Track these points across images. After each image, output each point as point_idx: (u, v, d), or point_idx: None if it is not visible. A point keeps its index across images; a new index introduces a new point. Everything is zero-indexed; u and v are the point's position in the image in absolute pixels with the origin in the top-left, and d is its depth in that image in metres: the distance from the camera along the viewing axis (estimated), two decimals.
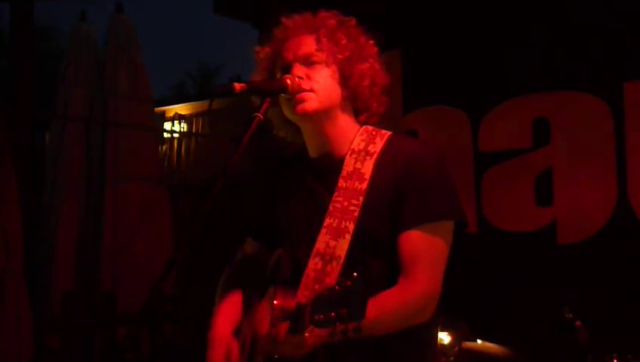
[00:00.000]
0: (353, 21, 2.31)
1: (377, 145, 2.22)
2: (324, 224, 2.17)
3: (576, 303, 3.51)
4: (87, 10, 6.79)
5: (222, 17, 6.64)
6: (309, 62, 2.22)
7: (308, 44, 2.23)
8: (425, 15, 4.94)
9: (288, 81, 2.15)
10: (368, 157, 2.20)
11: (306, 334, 1.82)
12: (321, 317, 1.73)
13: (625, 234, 4.16)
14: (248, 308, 2.38)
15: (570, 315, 3.41)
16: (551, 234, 4.39)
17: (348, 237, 2.12)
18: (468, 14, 4.77)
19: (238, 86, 2.07)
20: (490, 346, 3.72)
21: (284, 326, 1.91)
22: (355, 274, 1.71)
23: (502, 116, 4.65)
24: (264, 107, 2.10)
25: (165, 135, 10.40)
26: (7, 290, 5.10)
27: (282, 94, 2.19)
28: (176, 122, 10.85)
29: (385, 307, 1.99)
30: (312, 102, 2.18)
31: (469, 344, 3.67)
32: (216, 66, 40.33)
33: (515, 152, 4.58)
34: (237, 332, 2.37)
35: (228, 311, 2.42)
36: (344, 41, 2.24)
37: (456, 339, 3.59)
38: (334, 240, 2.14)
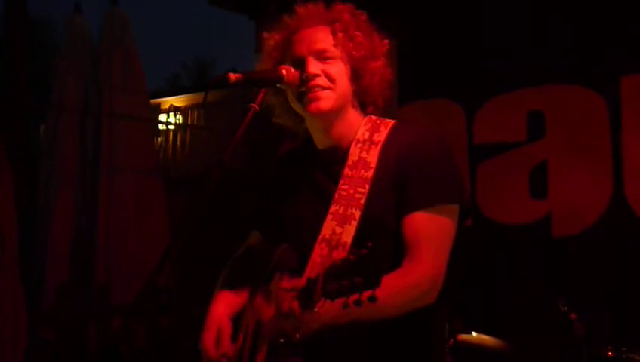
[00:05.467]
0: (365, 15, 2.28)
1: (382, 134, 2.23)
2: (330, 211, 2.18)
3: (571, 296, 3.52)
4: (81, 1, 6.77)
5: (218, 10, 6.63)
6: (323, 57, 2.19)
7: (323, 39, 2.20)
8: (421, 7, 4.93)
9: (284, 72, 2.15)
10: (373, 146, 2.21)
11: (317, 308, 1.80)
12: (335, 286, 1.72)
13: (620, 227, 4.17)
14: (251, 295, 2.38)
15: (565, 308, 3.42)
16: (546, 226, 4.40)
17: (354, 223, 2.12)
18: (464, 7, 4.76)
19: (233, 76, 2.07)
20: (485, 338, 3.72)
21: (294, 303, 1.89)
22: (369, 243, 1.70)
23: (497, 109, 4.65)
24: (259, 98, 2.10)
25: (160, 127, 10.37)
26: (2, 284, 5.10)
27: (281, 85, 2.17)
28: (171, 114, 10.81)
29: (390, 288, 1.95)
30: (327, 101, 2.17)
31: (463, 336, 3.68)
32: (212, 59, 40.33)
33: (510, 145, 4.58)
34: (237, 318, 2.37)
35: (228, 296, 2.41)
36: (360, 39, 2.22)
37: (451, 332, 3.60)
38: (340, 226, 2.14)
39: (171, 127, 10.58)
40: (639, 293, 4.03)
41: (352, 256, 1.70)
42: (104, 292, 5.89)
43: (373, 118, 2.29)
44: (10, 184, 5.24)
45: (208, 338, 2.33)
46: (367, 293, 1.67)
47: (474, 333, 3.73)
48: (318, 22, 2.23)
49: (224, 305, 2.39)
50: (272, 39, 2.29)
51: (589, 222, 4.26)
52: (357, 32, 2.22)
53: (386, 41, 2.30)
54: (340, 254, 2.08)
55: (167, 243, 6.12)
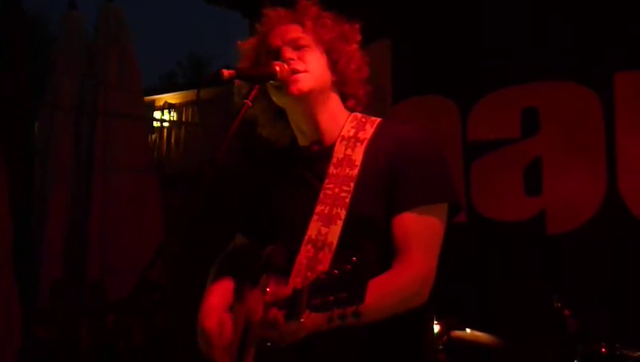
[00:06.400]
0: (333, 14, 2.33)
1: (368, 132, 2.23)
2: (316, 211, 2.16)
3: (565, 292, 3.53)
4: None
5: (214, 8, 6.63)
6: (297, 45, 2.22)
7: (294, 30, 2.24)
8: (415, 5, 4.93)
9: (277, 68, 2.15)
10: (359, 144, 2.21)
11: (303, 319, 1.80)
12: (319, 301, 1.72)
13: (614, 224, 4.17)
14: (239, 296, 2.37)
15: (559, 304, 3.43)
16: (540, 223, 4.39)
17: (339, 223, 2.11)
18: (458, 4, 4.76)
19: (226, 72, 2.07)
20: (478, 335, 3.73)
21: (279, 313, 1.89)
22: (354, 258, 1.69)
23: (491, 105, 4.64)
24: (252, 94, 2.10)
25: (155, 124, 10.36)
26: None
27: (271, 81, 2.18)
28: (165, 111, 10.80)
29: (381, 291, 1.97)
30: (307, 82, 2.18)
31: (457, 333, 3.68)
32: (209, 57, 40.28)
33: (504, 142, 4.58)
34: (230, 309, 2.36)
35: (219, 292, 2.40)
36: (329, 24, 2.27)
37: (445, 328, 3.60)
38: (326, 226, 2.13)
39: (166, 124, 10.57)
40: (634, 290, 4.03)
41: (336, 271, 1.70)
42: (99, 291, 5.88)
43: (359, 115, 2.29)
44: (5, 182, 5.23)
45: (211, 324, 2.30)
46: (351, 309, 1.68)
47: (468, 330, 3.74)
48: (289, 20, 2.28)
49: (218, 296, 2.38)
50: (246, 43, 2.33)
51: (583, 218, 4.25)
52: (325, 20, 2.27)
53: (357, 25, 2.32)
54: (325, 255, 2.09)
55: (163, 240, 6.11)
